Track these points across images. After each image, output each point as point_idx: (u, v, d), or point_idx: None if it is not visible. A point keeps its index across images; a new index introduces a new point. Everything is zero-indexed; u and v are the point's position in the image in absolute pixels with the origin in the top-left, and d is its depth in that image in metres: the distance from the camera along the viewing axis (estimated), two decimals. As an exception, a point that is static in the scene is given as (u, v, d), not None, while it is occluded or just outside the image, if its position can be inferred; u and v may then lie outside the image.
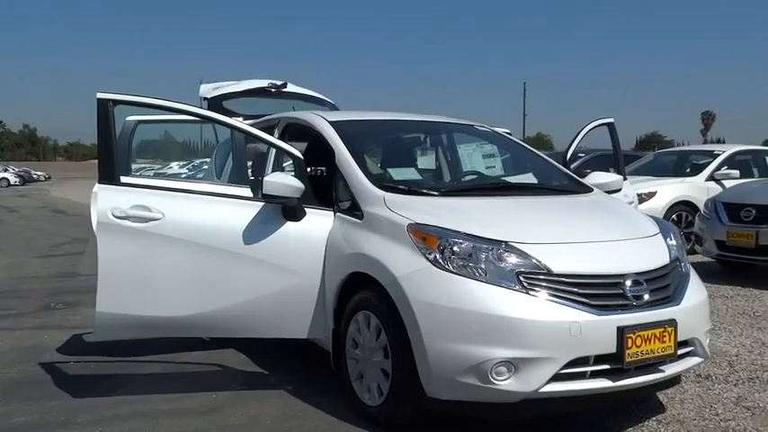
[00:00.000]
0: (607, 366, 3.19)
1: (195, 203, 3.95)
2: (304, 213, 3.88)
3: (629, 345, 3.17)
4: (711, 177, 9.94)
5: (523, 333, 3.08)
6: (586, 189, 4.32)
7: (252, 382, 4.35)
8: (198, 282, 3.88)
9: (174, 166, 12.92)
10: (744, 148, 10.89)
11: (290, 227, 3.88)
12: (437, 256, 3.28)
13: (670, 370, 3.39)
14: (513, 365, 3.08)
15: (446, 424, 3.56)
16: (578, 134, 5.47)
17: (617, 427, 3.57)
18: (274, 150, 4.59)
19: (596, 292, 3.22)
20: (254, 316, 3.93)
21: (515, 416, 3.29)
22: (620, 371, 3.22)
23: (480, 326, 3.11)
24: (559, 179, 4.47)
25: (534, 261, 3.22)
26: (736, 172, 9.86)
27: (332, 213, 3.95)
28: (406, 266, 3.34)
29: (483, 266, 3.22)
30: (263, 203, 3.92)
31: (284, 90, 6.70)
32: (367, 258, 3.56)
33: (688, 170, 10.57)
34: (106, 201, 3.83)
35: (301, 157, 4.07)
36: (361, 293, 3.66)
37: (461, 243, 3.29)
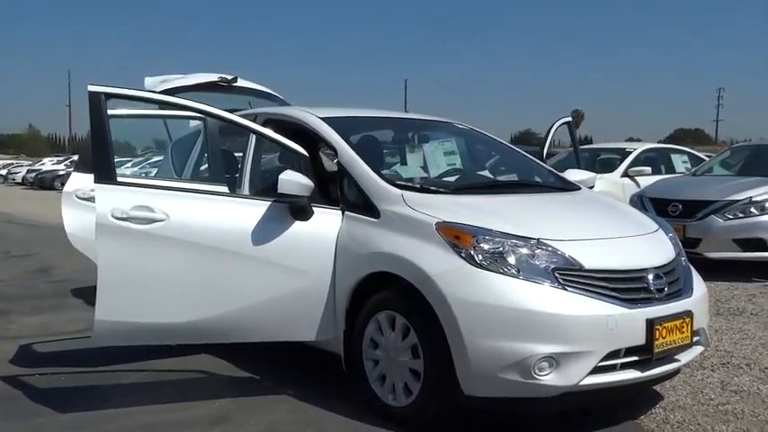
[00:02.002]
0: (636, 358, 3.32)
1: (200, 203, 3.78)
2: (312, 212, 3.79)
3: (657, 336, 3.31)
4: (626, 174, 10.48)
5: (565, 328, 3.15)
6: (575, 186, 4.46)
7: (247, 388, 4.20)
8: (204, 285, 3.71)
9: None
10: (651, 146, 11.58)
11: (298, 226, 3.77)
12: (472, 254, 3.29)
13: (684, 359, 3.57)
14: (555, 360, 3.14)
15: (472, 421, 3.58)
16: (548, 134, 5.64)
17: (628, 416, 3.70)
18: (252, 148, 4.45)
19: (625, 286, 3.34)
20: (263, 319, 3.79)
21: (552, 410, 3.36)
22: (646, 362, 3.35)
23: (522, 322, 3.15)
24: (548, 177, 4.58)
25: (567, 257, 3.30)
26: (648, 169, 10.45)
27: (339, 212, 3.87)
28: (439, 265, 3.33)
29: (518, 264, 3.27)
30: (269, 203, 3.79)
31: (235, 84, 6.51)
32: (391, 257, 3.52)
33: (601, 167, 11.08)
34: (105, 201, 3.59)
35: (307, 154, 3.96)
36: (383, 293, 3.61)
37: (496, 241, 3.32)
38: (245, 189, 4.39)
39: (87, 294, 7.06)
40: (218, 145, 4.95)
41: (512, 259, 3.28)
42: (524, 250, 3.31)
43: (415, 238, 3.48)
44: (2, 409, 3.88)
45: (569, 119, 5.91)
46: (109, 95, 3.70)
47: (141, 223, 3.61)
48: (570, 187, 4.41)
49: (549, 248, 3.32)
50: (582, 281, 3.26)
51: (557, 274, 3.25)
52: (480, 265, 3.27)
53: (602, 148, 12.25)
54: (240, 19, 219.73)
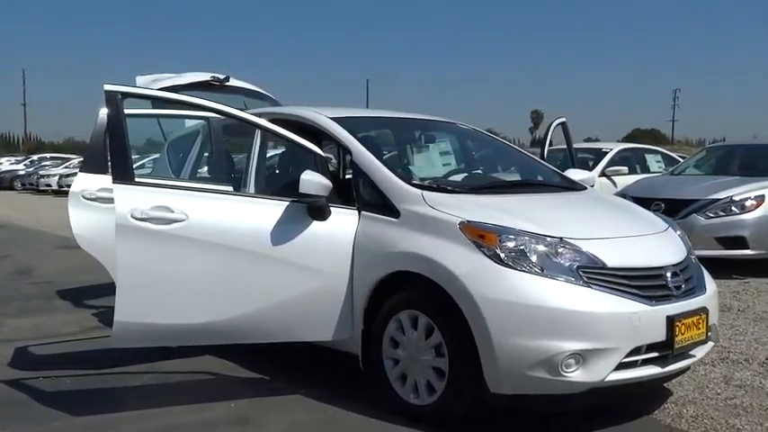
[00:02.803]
0: (656, 354, 3.40)
1: (219, 203, 3.76)
2: (330, 212, 3.79)
3: (677, 333, 3.39)
4: (603, 173, 10.66)
5: (592, 325, 3.21)
6: (581, 186, 4.53)
7: (260, 388, 4.18)
8: (224, 286, 3.69)
9: None
10: (627, 146, 11.81)
11: (316, 226, 3.77)
12: (497, 252, 3.33)
13: (699, 354, 3.66)
14: (582, 357, 3.20)
15: (499, 419, 3.62)
16: (547, 134, 5.72)
17: (642, 412, 3.76)
18: (257, 147, 4.44)
19: (645, 284, 3.42)
20: (282, 319, 3.79)
21: (576, 406, 3.42)
22: (666, 357, 3.43)
23: (549, 320, 3.20)
24: (554, 176, 4.64)
25: (590, 256, 3.36)
26: (625, 168, 10.64)
27: (355, 212, 3.88)
28: (465, 264, 3.36)
29: (543, 262, 3.32)
30: (287, 202, 3.79)
31: (227, 84, 6.46)
32: (414, 257, 3.54)
33: (577, 167, 11.23)
34: (124, 201, 3.55)
35: (323, 154, 3.96)
36: (405, 293, 3.64)
37: (520, 240, 3.37)
38: (251, 189, 4.37)
39: (73, 296, 6.98)
40: (223, 145, 4.92)
41: (537, 258, 3.33)
42: (548, 249, 3.36)
43: (438, 237, 3.50)
44: (13, 412, 3.80)
45: (564, 119, 6.00)
46: (125, 95, 3.66)
47: (161, 224, 3.58)
48: (576, 187, 4.49)
49: (573, 247, 3.38)
50: (605, 279, 3.33)
51: (581, 272, 3.31)
52: (506, 264, 3.31)
53: (577, 148, 12.40)
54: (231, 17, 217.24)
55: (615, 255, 3.42)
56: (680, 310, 3.43)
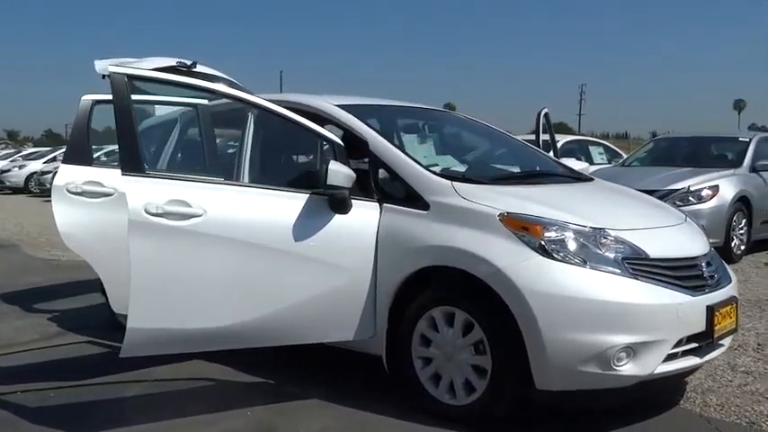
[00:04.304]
0: (696, 344, 3.37)
1: (237, 196, 3.49)
2: (351, 205, 3.58)
3: (716, 322, 3.38)
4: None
5: (642, 318, 3.15)
6: (588, 176, 4.49)
7: (272, 393, 3.91)
8: (245, 285, 3.43)
9: None
10: (572, 138, 12.02)
11: (338, 220, 3.56)
12: (543, 245, 3.22)
13: (726, 343, 3.67)
14: (633, 350, 3.13)
15: (533, 416, 3.52)
16: (538, 125, 5.66)
17: (669, 402, 3.74)
18: (250, 136, 4.17)
19: (685, 274, 3.39)
20: (303, 320, 3.56)
21: (624, 400, 3.36)
22: (703, 348, 3.41)
23: (601, 313, 3.12)
24: (558, 167, 4.58)
25: (633, 247, 3.30)
26: (572, 160, 10.77)
27: (376, 204, 3.68)
28: (509, 257, 3.23)
29: (589, 254, 3.23)
30: (307, 195, 3.56)
31: (194, 70, 6.11)
32: (450, 251, 3.38)
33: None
34: (137, 195, 3.24)
35: (342, 143, 3.74)
36: (438, 288, 3.48)
37: (565, 231, 3.27)
38: (245, 180, 4.10)
39: (20, 300, 6.45)
40: (213, 134, 4.61)
41: (583, 249, 3.24)
42: (593, 240, 3.28)
43: (476, 230, 3.36)
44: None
45: (546, 109, 5.97)
46: (132, 77, 3.34)
47: (178, 219, 3.29)
48: (583, 177, 4.44)
49: (616, 238, 3.31)
50: (649, 270, 3.27)
51: (626, 264, 3.24)
52: (552, 257, 3.20)
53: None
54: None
55: (655, 245, 3.37)
56: (717, 299, 3.42)
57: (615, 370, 3.13)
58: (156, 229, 3.24)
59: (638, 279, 3.22)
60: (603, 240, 3.29)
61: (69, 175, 4.34)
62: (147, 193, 3.26)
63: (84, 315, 5.86)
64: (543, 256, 3.21)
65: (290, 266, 3.48)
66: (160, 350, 3.44)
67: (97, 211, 4.29)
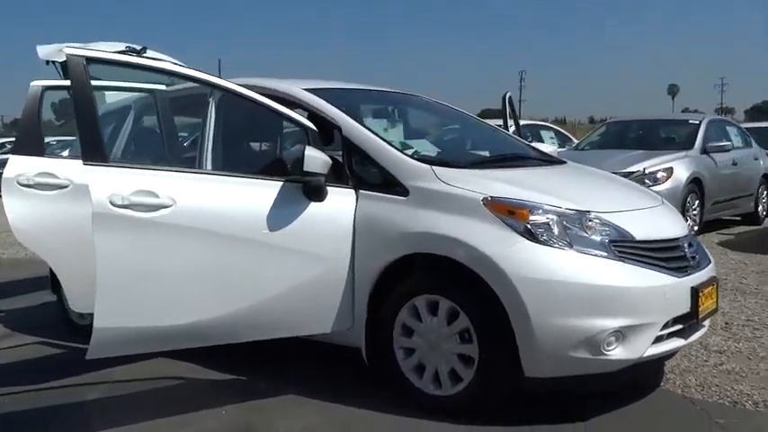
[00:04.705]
0: (681, 326, 3.34)
1: (208, 185, 3.30)
2: (327, 192, 3.43)
3: (700, 303, 3.36)
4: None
5: (631, 301, 3.10)
6: (560, 159, 4.43)
7: (244, 391, 3.72)
8: (219, 279, 3.25)
9: None
10: (522, 123, 11.97)
11: (314, 208, 3.40)
12: (530, 229, 3.14)
13: (707, 324, 3.66)
14: (622, 334, 3.08)
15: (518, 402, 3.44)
16: (505, 108, 5.58)
17: (652, 385, 3.70)
18: (212, 122, 3.98)
19: (669, 255, 3.35)
20: (281, 312, 3.40)
21: (613, 385, 3.30)
22: (687, 329, 3.39)
23: (590, 298, 3.06)
24: (531, 150, 4.50)
25: (619, 229, 3.24)
26: (541, 143, 10.80)
27: (351, 191, 3.54)
28: (495, 243, 3.14)
29: (577, 237, 3.16)
30: (281, 183, 3.39)
31: (145, 56, 5.84)
32: (433, 237, 3.27)
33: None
34: (101, 186, 3.02)
35: (315, 128, 3.58)
36: (420, 276, 3.37)
37: (551, 215, 3.19)
38: (208, 168, 3.91)
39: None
40: (172, 121, 4.39)
41: (569, 233, 3.17)
42: (579, 224, 3.21)
43: (459, 215, 3.26)
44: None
45: (510, 93, 5.92)
46: (91, 60, 3.12)
47: (145, 211, 3.08)
48: (557, 160, 4.38)
49: (602, 221, 3.25)
50: (636, 252, 3.22)
51: (613, 247, 3.18)
52: (540, 241, 3.12)
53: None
54: None
55: (639, 227, 3.32)
56: (700, 280, 3.40)
57: (605, 354, 3.07)
58: (122, 222, 3.04)
59: (625, 262, 3.16)
60: (589, 223, 3.22)
61: (20, 166, 4.06)
62: (112, 183, 3.04)
63: (33, 315, 5.55)
64: (530, 240, 3.12)
65: (265, 257, 3.32)
66: (130, 350, 3.24)
67: (52, 205, 4.03)
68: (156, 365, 4.06)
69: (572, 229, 3.17)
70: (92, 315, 3.07)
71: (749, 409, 3.41)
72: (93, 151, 3.06)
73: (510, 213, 3.19)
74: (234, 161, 4.06)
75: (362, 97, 4.51)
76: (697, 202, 8.49)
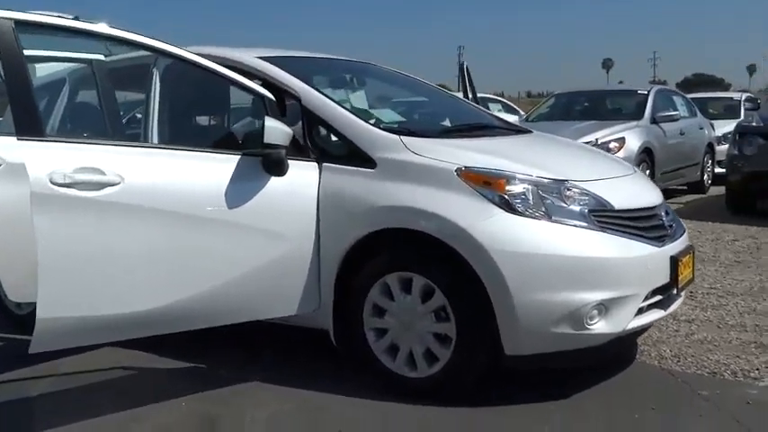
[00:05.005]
0: (660, 297, 3.24)
1: (158, 160, 3.03)
2: (288, 166, 3.20)
3: (679, 273, 3.26)
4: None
5: (613, 273, 2.98)
6: (525, 128, 4.29)
7: (199, 379, 3.47)
8: (174, 261, 2.99)
9: None
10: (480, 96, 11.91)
11: (275, 183, 3.17)
12: (507, 200, 2.97)
13: (683, 294, 3.57)
14: (605, 307, 2.96)
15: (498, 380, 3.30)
16: (464, 78, 5.42)
17: (627, 358, 3.62)
18: (157, 94, 3.69)
19: (648, 224, 3.24)
20: (243, 295, 3.16)
21: (594, 360, 3.19)
22: (666, 300, 3.29)
23: (572, 270, 2.92)
24: (495, 120, 4.34)
25: (598, 198, 3.11)
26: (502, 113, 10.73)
27: (314, 164, 3.32)
28: (471, 215, 2.96)
29: (556, 208, 3.01)
30: (238, 156, 3.15)
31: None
32: (404, 211, 3.08)
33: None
34: (40, 163, 2.72)
35: (273, 98, 3.33)
36: (391, 252, 3.18)
37: (528, 185, 3.03)
38: (155, 142, 3.63)
39: None
40: (112, 94, 4.06)
41: (549, 203, 3.01)
42: (558, 193, 3.06)
43: (431, 187, 3.07)
44: None
45: (466, 63, 5.77)
46: (21, 23, 2.80)
47: (90, 189, 2.80)
48: (522, 129, 4.23)
49: (580, 190, 3.10)
50: (615, 222, 3.09)
51: (592, 217, 3.05)
52: (518, 212, 2.96)
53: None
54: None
55: (617, 196, 3.19)
56: (678, 249, 3.31)
57: (588, 329, 2.94)
58: (65, 202, 2.74)
59: (605, 232, 3.03)
60: (567, 193, 3.07)
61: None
62: (52, 160, 2.75)
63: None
64: (508, 211, 2.96)
65: (223, 237, 3.08)
66: (77, 341, 2.96)
67: None
68: (105, 355, 3.77)
69: (550, 199, 3.02)
70: (30, 305, 2.79)
71: (728, 379, 3.34)
72: (29, 125, 2.76)
73: (485, 184, 3.02)
74: (184, 135, 3.80)
75: (318, 66, 4.26)
76: (648, 171, 8.50)
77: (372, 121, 3.42)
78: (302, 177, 3.26)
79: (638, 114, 9.02)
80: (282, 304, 3.27)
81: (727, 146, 10.98)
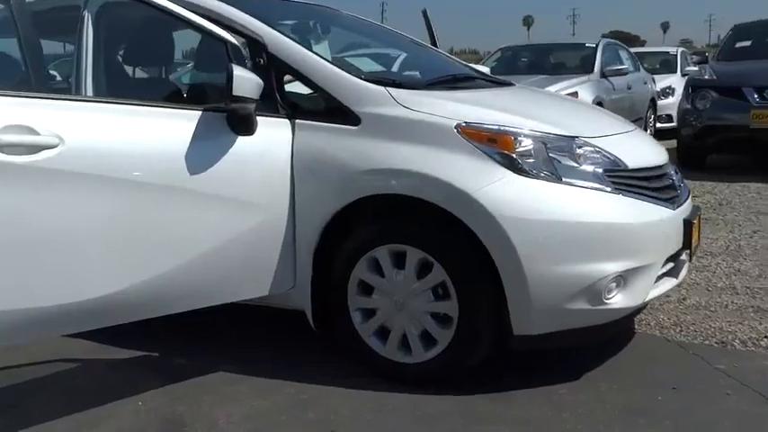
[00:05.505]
0: (672, 264, 2.97)
1: (105, 118, 2.51)
2: (257, 123, 2.74)
3: (692, 237, 2.99)
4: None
5: (634, 240, 2.68)
6: (506, 81, 3.92)
7: (158, 371, 3.05)
8: (126, 240, 2.51)
9: None
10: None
11: (242, 144, 2.71)
12: (517, 160, 2.61)
13: (688, 261, 3.31)
14: (623, 279, 2.65)
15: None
16: (429, 26, 4.96)
17: (629, 328, 3.37)
18: (90, 41, 3.16)
19: (660, 185, 2.94)
20: (206, 277, 2.71)
21: (605, 337, 2.90)
22: (678, 267, 3.02)
23: (589, 238, 2.59)
24: (473, 71, 3.95)
25: (612, 157, 2.78)
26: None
27: (286, 121, 2.87)
28: (476, 177, 2.58)
29: (570, 169, 2.67)
30: (199, 112, 2.67)
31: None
32: (395, 174, 2.68)
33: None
34: None
35: (236, 42, 2.84)
36: (382, 222, 2.79)
37: (540, 143, 2.67)
38: (88, 94, 3.11)
39: None
40: (37, 39, 3.45)
41: (563, 163, 2.66)
42: (569, 151, 2.71)
43: (427, 146, 2.67)
44: None
45: (425, 9, 5.32)
46: None
47: (21, 153, 2.28)
48: (504, 82, 3.86)
49: (593, 148, 2.76)
50: (630, 183, 2.77)
51: (607, 178, 2.71)
52: (530, 174, 2.60)
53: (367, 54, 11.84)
54: None
55: (629, 154, 2.86)
56: (689, 211, 3.03)
57: (606, 304, 2.63)
58: (-10, 170, 2.23)
59: (621, 194, 2.71)
60: (579, 151, 2.73)
61: None
62: None
63: None
64: (518, 173, 2.60)
65: (183, 209, 2.61)
66: (16, 339, 2.46)
67: None
68: (50, 347, 3.22)
69: (562, 159, 2.67)
70: None
71: (740, 349, 3.11)
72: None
73: (490, 141, 2.64)
74: (127, 89, 3.27)
75: (279, 9, 3.75)
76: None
77: (352, 71, 2.96)
78: (273, 137, 2.80)
79: (587, 68, 8.80)
80: (252, 285, 2.84)
81: (667, 100, 11.03)
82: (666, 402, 2.62)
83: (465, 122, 2.68)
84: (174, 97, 2.96)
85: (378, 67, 3.50)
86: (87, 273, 2.44)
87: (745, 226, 5.33)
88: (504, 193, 2.56)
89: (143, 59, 3.56)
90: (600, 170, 2.70)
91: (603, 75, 8.75)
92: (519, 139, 2.64)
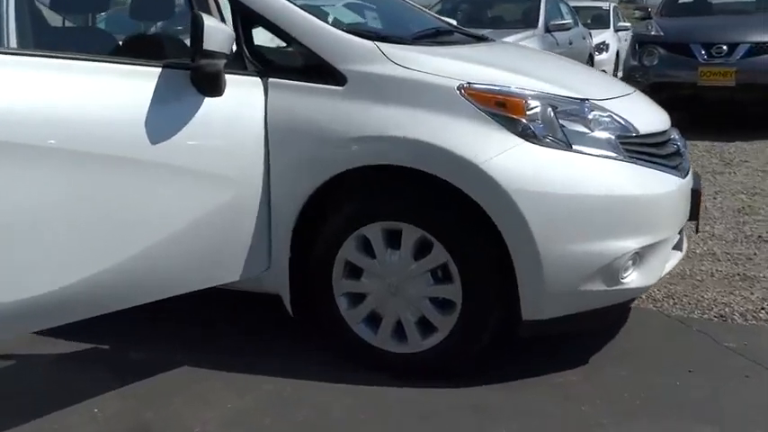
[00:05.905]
0: (679, 237, 2.76)
1: (46, 76, 2.07)
2: (225, 82, 2.35)
3: (700, 208, 2.79)
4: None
5: (651, 213, 2.46)
6: (483, 36, 3.60)
7: (123, 370, 2.64)
8: (77, 224, 2.10)
9: None
10: (348, 2, 10.96)
11: (210, 106, 2.32)
12: (530, 126, 2.32)
13: (695, 232, 3.13)
14: (639, 256, 2.43)
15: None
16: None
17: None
18: None
19: (668, 151, 2.71)
20: (170, 263, 2.33)
21: (611, 319, 2.69)
22: (679, 241, 2.82)
23: (607, 213, 2.36)
24: (449, 26, 3.61)
25: (623, 122, 2.52)
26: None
27: (257, 80, 2.48)
28: (483, 145, 2.29)
29: (581, 136, 2.40)
30: (158, 69, 2.26)
31: None
32: (389, 142, 2.35)
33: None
34: None
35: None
36: (372, 197, 2.47)
37: (551, 107, 2.38)
38: (17, 47, 2.65)
39: None
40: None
41: (573, 130, 2.39)
42: (582, 116, 2.44)
43: (426, 109, 2.35)
44: None
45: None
46: None
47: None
48: (483, 37, 3.53)
49: (604, 111, 2.50)
50: (642, 150, 2.53)
51: (620, 145, 2.46)
52: (541, 142, 2.32)
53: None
54: None
55: (637, 118, 2.61)
56: (695, 180, 2.82)
57: (621, 283, 2.40)
58: None
59: (636, 163, 2.46)
60: (591, 116, 2.46)
61: None
62: None
63: None
64: (531, 142, 2.31)
65: (142, 184, 2.21)
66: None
67: None
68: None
69: (579, 124, 2.40)
70: None
71: (741, 323, 2.95)
72: None
73: (499, 105, 2.34)
74: (59, 38, 2.79)
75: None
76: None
77: (333, 23, 2.59)
78: (242, 98, 2.43)
79: (531, 22, 8.56)
80: (222, 269, 2.48)
81: (602, 56, 10.97)
82: (687, 389, 2.42)
83: (468, 83, 2.36)
84: (127, 51, 2.51)
85: (359, 18, 3.11)
86: (32, 264, 2.03)
87: (705, 187, 5.23)
88: (516, 163, 2.27)
89: (76, 4, 3.08)
90: (613, 136, 2.45)
91: (548, 29, 8.53)
92: (529, 102, 2.35)
